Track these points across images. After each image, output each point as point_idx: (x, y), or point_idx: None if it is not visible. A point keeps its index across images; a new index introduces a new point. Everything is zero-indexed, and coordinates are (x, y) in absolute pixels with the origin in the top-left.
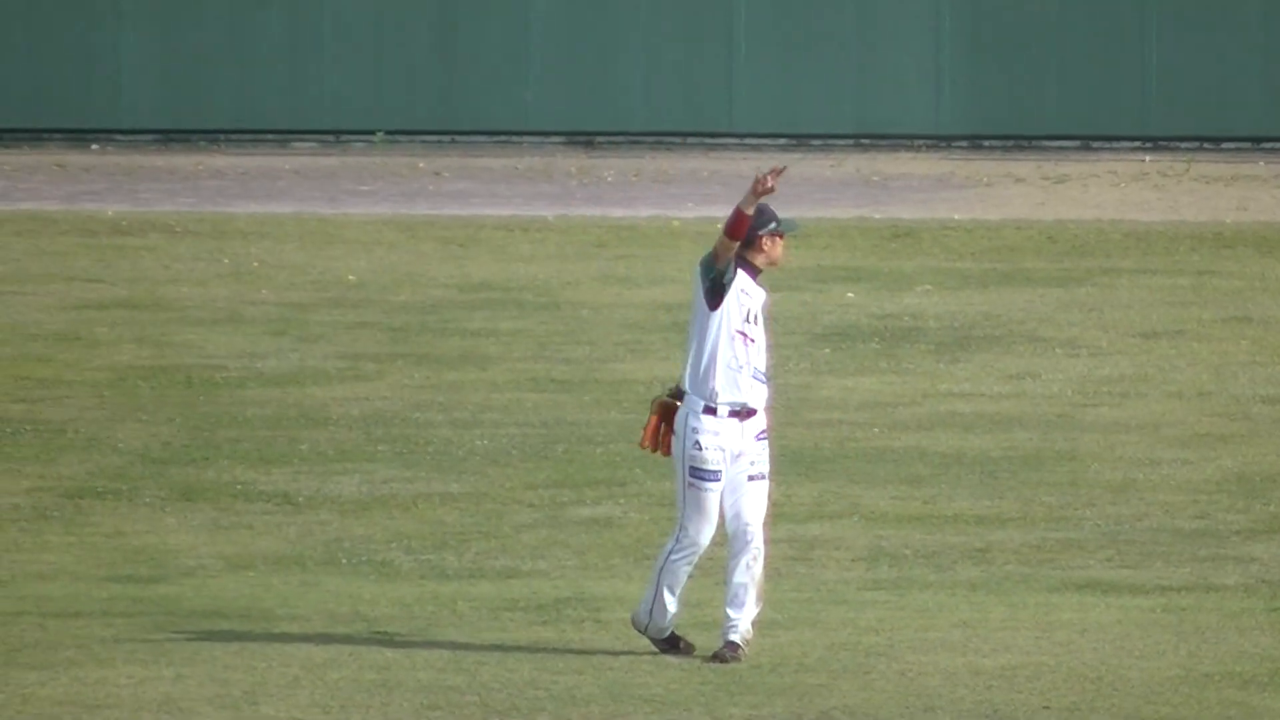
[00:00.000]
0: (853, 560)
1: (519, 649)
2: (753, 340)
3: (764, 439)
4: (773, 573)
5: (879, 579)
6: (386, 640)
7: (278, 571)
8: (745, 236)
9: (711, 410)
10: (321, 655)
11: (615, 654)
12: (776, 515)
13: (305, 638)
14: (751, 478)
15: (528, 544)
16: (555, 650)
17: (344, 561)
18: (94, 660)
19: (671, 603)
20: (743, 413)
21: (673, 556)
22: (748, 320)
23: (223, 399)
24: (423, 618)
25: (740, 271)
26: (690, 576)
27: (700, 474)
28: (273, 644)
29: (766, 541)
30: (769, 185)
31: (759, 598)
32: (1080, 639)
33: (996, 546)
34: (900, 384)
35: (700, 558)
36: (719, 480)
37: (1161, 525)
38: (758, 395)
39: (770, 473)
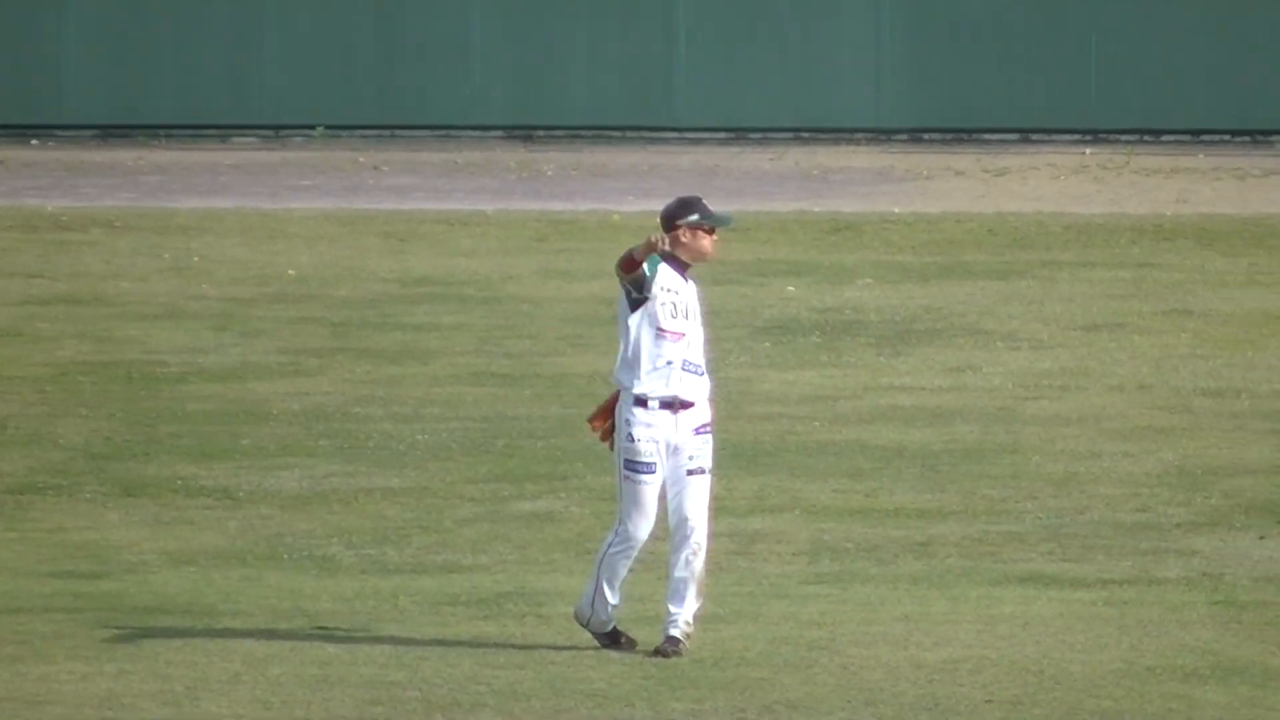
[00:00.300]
0: (794, 554)
1: (460, 644)
2: (681, 334)
3: (705, 433)
4: (714, 567)
5: (820, 573)
6: (328, 635)
7: (219, 567)
8: (636, 272)
9: (642, 403)
10: (263, 650)
11: (557, 649)
12: (718, 509)
13: (247, 633)
14: (691, 472)
15: (469, 538)
16: (497, 645)
17: (285, 557)
18: (36, 656)
19: (612, 596)
20: (674, 405)
21: (611, 550)
22: (674, 316)
23: (164, 394)
24: (364, 613)
25: (666, 268)
26: (631, 570)
27: (634, 466)
28: (214, 639)
29: (710, 536)
30: (662, 246)
31: (700, 593)
32: (1022, 632)
33: (938, 540)
34: (841, 377)
35: (640, 552)
36: (653, 472)
37: (1103, 518)
38: (690, 388)
39: (712, 467)
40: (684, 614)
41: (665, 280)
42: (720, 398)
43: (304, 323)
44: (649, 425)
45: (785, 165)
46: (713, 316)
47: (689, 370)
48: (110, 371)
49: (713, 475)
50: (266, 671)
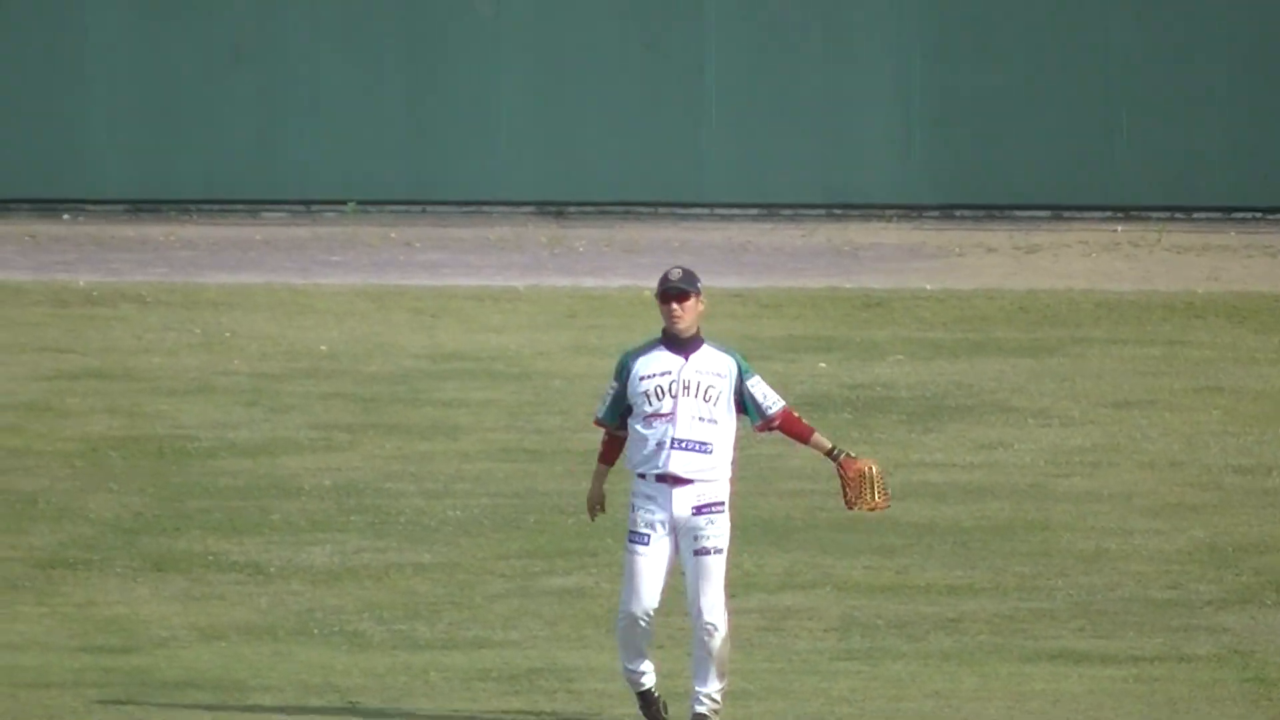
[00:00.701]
0: (825, 630)
1: (491, 719)
2: (668, 414)
3: (710, 513)
4: (744, 643)
5: (851, 649)
6: (359, 711)
7: (249, 642)
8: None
9: (641, 476)
10: None
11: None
12: (748, 585)
13: (277, 708)
14: (697, 552)
15: (500, 614)
16: None
17: (316, 632)
18: None
19: (631, 663)
20: (669, 480)
21: (618, 624)
22: (660, 398)
23: (194, 469)
24: (395, 688)
25: (656, 353)
26: (648, 643)
27: (630, 536)
28: (245, 715)
29: (726, 616)
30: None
31: (722, 672)
32: (1053, 709)
33: (969, 616)
34: (872, 454)
35: (645, 625)
36: (646, 544)
37: (1133, 595)
38: (685, 464)
39: (723, 548)
40: (707, 691)
41: (647, 368)
42: (751, 474)
43: (334, 398)
44: (648, 497)
45: (816, 241)
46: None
47: (682, 448)
48: (140, 446)
49: (724, 555)
50: None
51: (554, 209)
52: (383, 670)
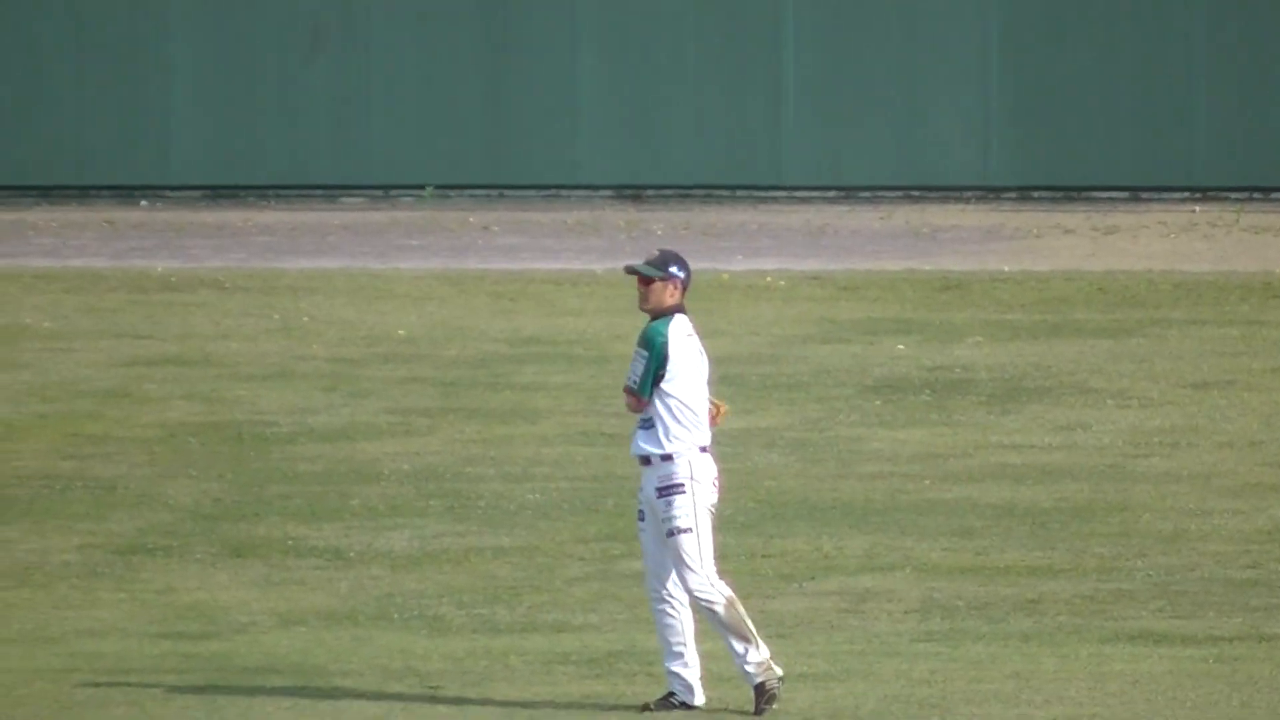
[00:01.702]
0: (905, 612)
1: (571, 703)
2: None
3: (671, 494)
4: (825, 625)
5: (931, 631)
6: (439, 696)
7: (329, 627)
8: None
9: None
10: (374, 711)
11: (669, 708)
12: (828, 568)
13: (358, 693)
14: (668, 534)
15: (579, 597)
16: (608, 704)
17: (396, 616)
18: (146, 718)
19: (667, 662)
20: (638, 459)
21: (651, 605)
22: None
23: (273, 455)
24: (475, 672)
25: None
26: (681, 636)
27: (638, 514)
28: (325, 700)
29: (717, 583)
30: None
31: (743, 635)
32: (1132, 690)
33: (1048, 598)
34: (951, 436)
35: (663, 605)
36: (642, 520)
37: (1213, 575)
38: (641, 444)
39: (689, 527)
40: (744, 658)
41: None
42: (830, 457)
43: (413, 383)
44: (640, 475)
45: (894, 224)
46: (822, 375)
47: (640, 426)
48: (219, 432)
49: (691, 533)
50: None
51: (632, 192)
52: (462, 654)
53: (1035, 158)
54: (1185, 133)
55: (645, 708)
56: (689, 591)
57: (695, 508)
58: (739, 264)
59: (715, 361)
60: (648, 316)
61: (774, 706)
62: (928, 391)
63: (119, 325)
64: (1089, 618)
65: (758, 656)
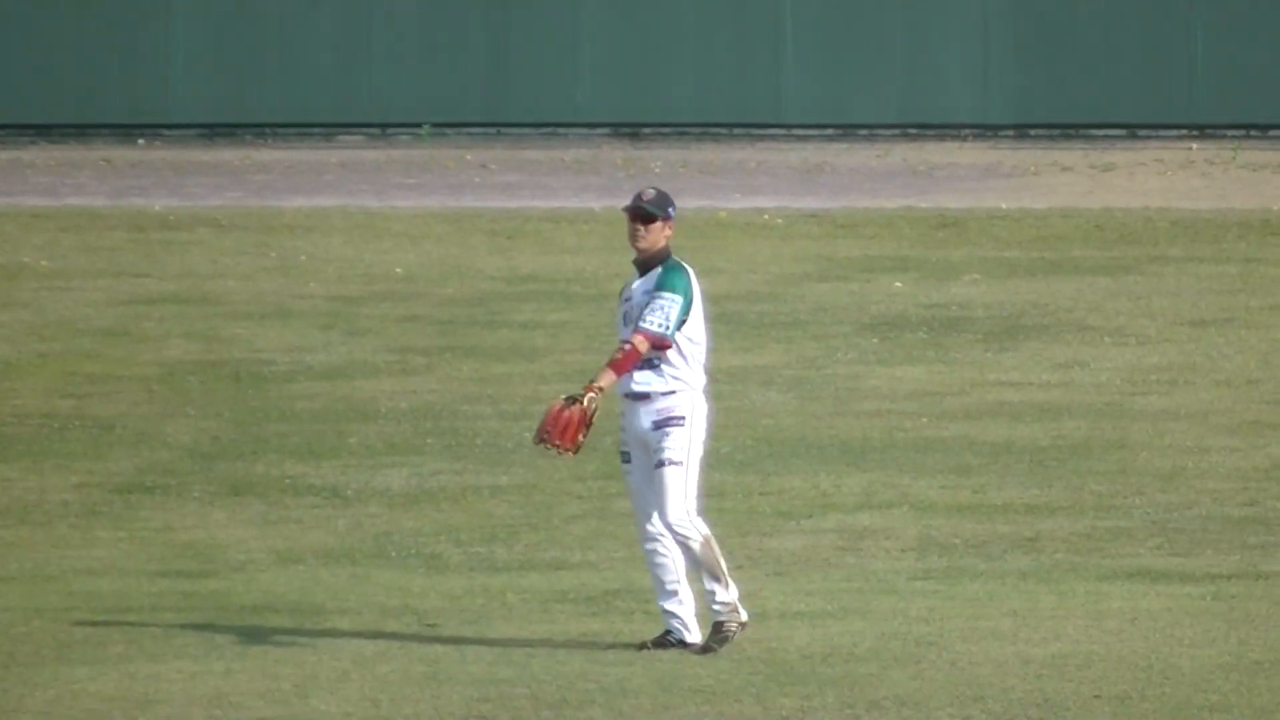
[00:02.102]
0: (902, 550)
1: (569, 641)
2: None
3: (669, 426)
4: (822, 563)
5: (929, 568)
6: (436, 634)
7: (327, 565)
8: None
9: (621, 397)
10: (371, 649)
11: (665, 646)
12: (825, 505)
13: (355, 632)
14: (655, 465)
15: (577, 536)
16: (605, 642)
17: (393, 555)
18: (144, 656)
19: (661, 600)
20: (632, 396)
21: (641, 545)
22: (625, 324)
23: (271, 393)
24: (472, 610)
25: (633, 275)
26: (671, 573)
27: (620, 456)
28: (322, 638)
29: (682, 519)
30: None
31: (716, 575)
32: (1130, 627)
33: (1046, 535)
34: (948, 373)
35: (657, 543)
36: (628, 463)
37: (1210, 513)
38: (642, 382)
39: (681, 460)
40: (717, 599)
41: (623, 294)
42: (827, 394)
43: (411, 321)
44: (622, 415)
45: (892, 162)
46: (819, 313)
47: (639, 367)
48: (217, 371)
49: (680, 466)
50: (375, 669)
51: (629, 130)
52: (460, 593)
53: (1033, 96)
54: (1183, 71)
55: (643, 646)
56: (667, 525)
57: (690, 443)
58: (737, 202)
59: (712, 300)
60: (640, 256)
61: (722, 649)
62: (925, 329)
63: (117, 264)
64: (1087, 555)
65: (726, 597)
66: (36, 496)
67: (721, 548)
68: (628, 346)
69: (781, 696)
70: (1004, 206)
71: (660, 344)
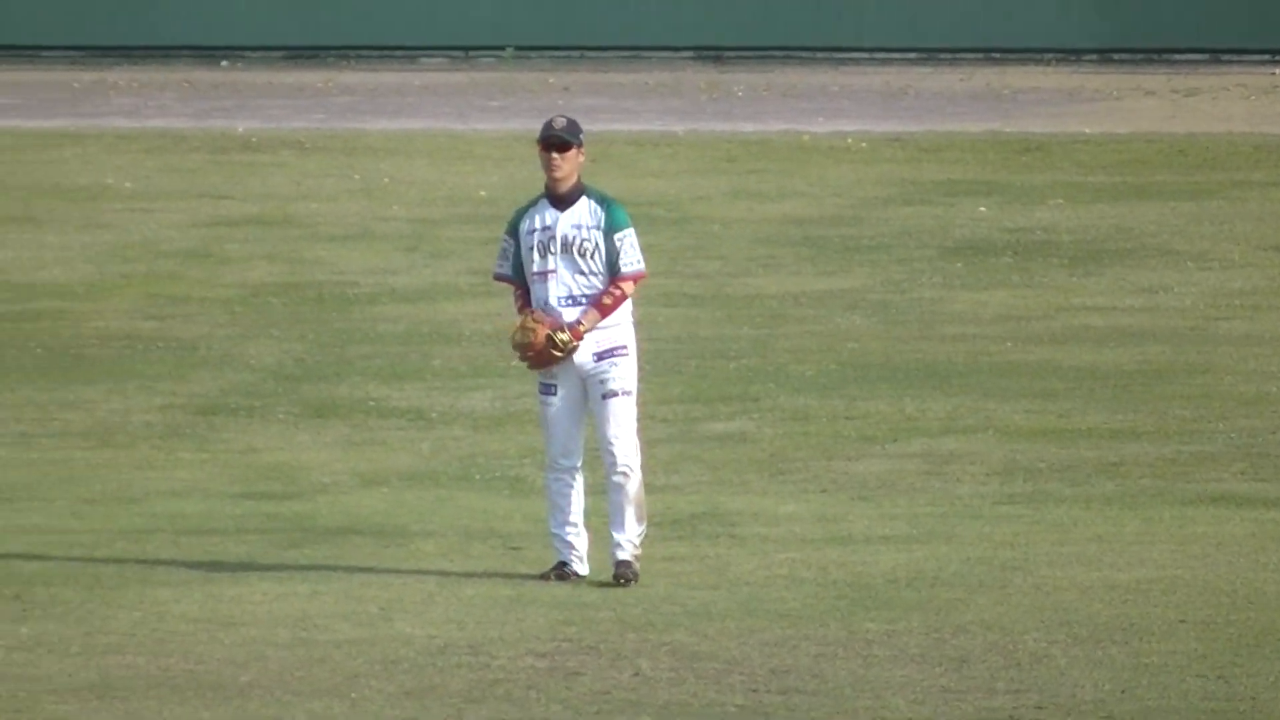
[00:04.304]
0: (987, 475)
1: (654, 564)
2: (550, 271)
3: (614, 357)
4: (907, 488)
5: (1014, 493)
6: (520, 556)
7: (411, 488)
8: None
9: None
10: (456, 571)
11: (750, 569)
12: (910, 430)
13: (439, 554)
14: (604, 396)
15: (661, 459)
16: (690, 565)
17: (477, 477)
18: (228, 577)
19: (555, 525)
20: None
21: (546, 475)
22: (542, 256)
23: (355, 315)
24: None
25: (542, 205)
26: (573, 504)
27: (540, 388)
28: (407, 560)
29: (637, 455)
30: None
31: (641, 515)
32: (1215, 552)
33: (1130, 460)
34: (1033, 298)
35: (565, 477)
36: (554, 394)
37: None
38: (573, 317)
39: (629, 389)
40: (626, 536)
41: (531, 223)
42: (912, 318)
43: (494, 244)
44: None
45: (975, 85)
46: (904, 236)
47: (571, 304)
48: (300, 293)
49: (632, 396)
50: (459, 592)
51: (712, 54)
52: (543, 515)
53: (1116, 19)
54: None
55: (545, 578)
56: (620, 456)
57: (635, 371)
58: (819, 125)
59: (796, 223)
60: (558, 187)
61: (627, 586)
62: (1009, 253)
63: (200, 185)
64: (1171, 480)
65: (638, 537)
66: (120, 418)
67: (806, 471)
68: (618, 292)
69: (866, 621)
70: (1087, 131)
71: (639, 279)
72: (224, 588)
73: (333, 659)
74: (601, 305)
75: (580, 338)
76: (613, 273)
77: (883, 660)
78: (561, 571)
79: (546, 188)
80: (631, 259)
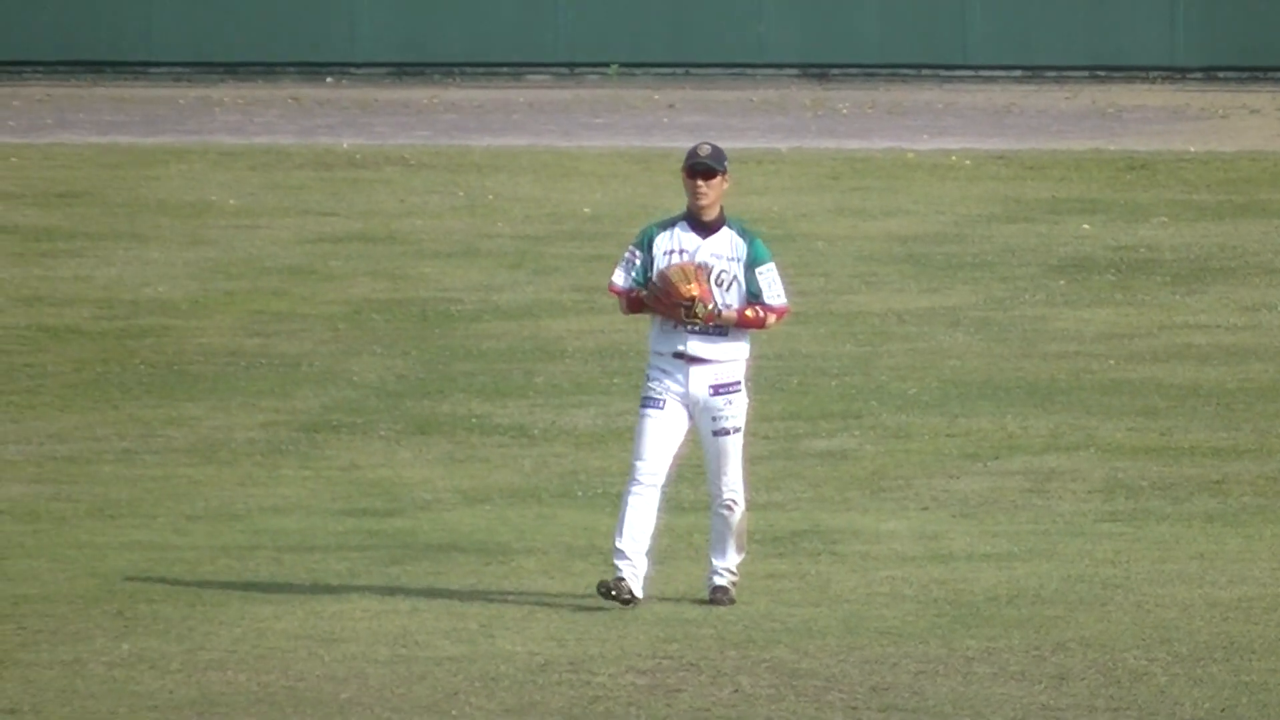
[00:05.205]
0: (1089, 492)
1: (755, 581)
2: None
3: (727, 393)
4: (1009, 505)
5: (1115, 511)
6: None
7: (513, 505)
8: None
9: (657, 353)
10: (557, 588)
11: (851, 586)
12: (1012, 447)
13: (541, 571)
14: (715, 433)
15: (763, 476)
16: (791, 583)
17: (579, 494)
18: (329, 594)
19: (620, 543)
20: (685, 357)
21: (626, 487)
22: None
23: (458, 332)
24: (659, 550)
25: (677, 230)
26: (645, 523)
27: (644, 401)
28: (508, 577)
29: (744, 491)
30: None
31: (741, 546)
32: None
33: (1233, 478)
34: (1136, 316)
35: (645, 491)
36: (659, 409)
37: None
38: (702, 348)
39: (741, 427)
40: (725, 565)
41: (667, 243)
42: (1014, 336)
43: (598, 260)
44: (664, 371)
45: (1080, 103)
46: (1007, 254)
47: (693, 333)
48: (404, 309)
49: (742, 436)
50: (561, 609)
51: (817, 71)
52: None
53: (1222, 37)
54: None
55: (606, 593)
56: (726, 490)
57: (746, 409)
58: (924, 143)
59: (900, 240)
60: (702, 214)
61: (721, 607)
62: (1113, 271)
63: (304, 202)
64: (1273, 498)
65: (737, 567)
66: (223, 434)
67: (908, 489)
68: (763, 313)
69: (967, 638)
70: (1192, 149)
71: (783, 315)
72: (325, 604)
73: (433, 676)
74: (744, 314)
75: (712, 322)
76: (759, 302)
77: (983, 678)
78: (617, 586)
79: (689, 210)
80: (776, 292)
